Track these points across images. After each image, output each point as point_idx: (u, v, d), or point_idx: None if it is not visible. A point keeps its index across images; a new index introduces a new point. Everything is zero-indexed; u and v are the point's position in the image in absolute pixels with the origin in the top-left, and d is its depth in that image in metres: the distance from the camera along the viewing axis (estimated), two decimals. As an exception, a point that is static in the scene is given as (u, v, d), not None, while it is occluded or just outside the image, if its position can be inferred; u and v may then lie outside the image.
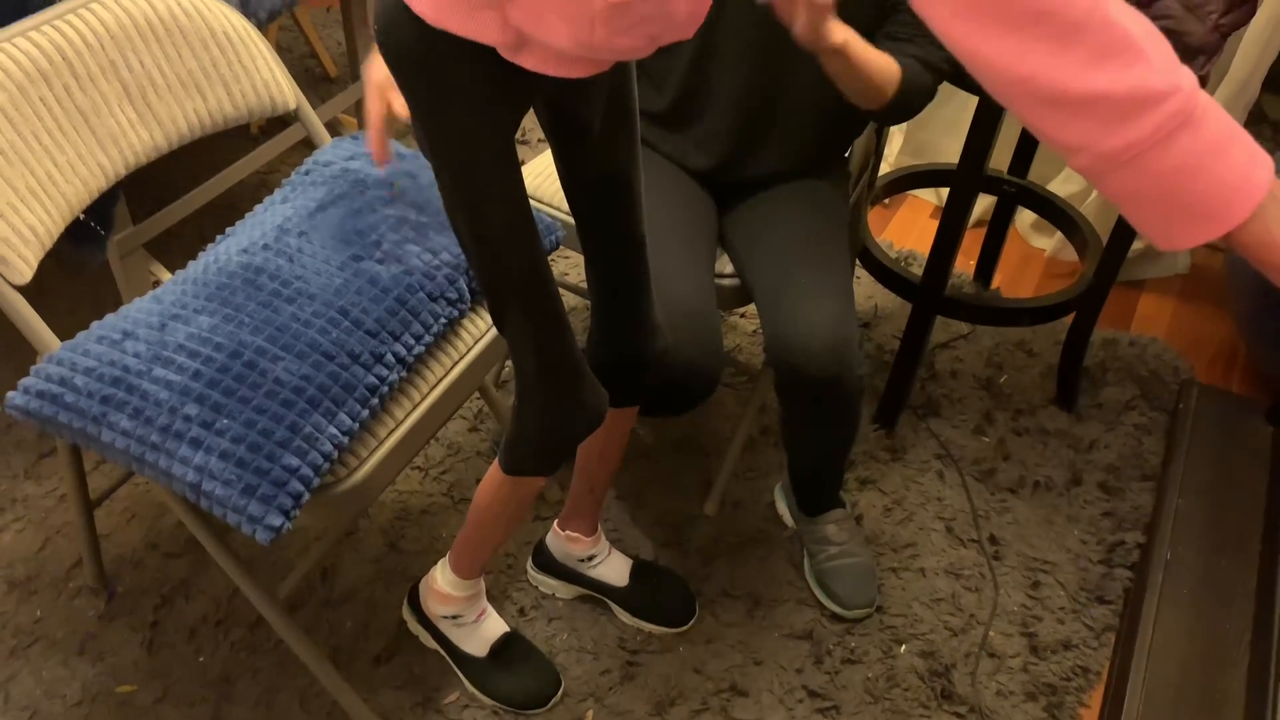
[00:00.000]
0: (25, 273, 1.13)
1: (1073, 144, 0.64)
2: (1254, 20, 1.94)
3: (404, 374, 1.22)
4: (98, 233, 1.35)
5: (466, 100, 0.94)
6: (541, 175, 1.60)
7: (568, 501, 1.51)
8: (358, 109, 2.05)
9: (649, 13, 0.86)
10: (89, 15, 1.21)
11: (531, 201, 1.57)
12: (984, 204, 2.38)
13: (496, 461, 1.23)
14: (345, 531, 1.64)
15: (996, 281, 2.26)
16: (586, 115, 1.06)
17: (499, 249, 1.02)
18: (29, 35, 1.16)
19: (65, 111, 1.19)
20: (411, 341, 1.22)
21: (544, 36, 0.88)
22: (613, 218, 1.14)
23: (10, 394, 1.12)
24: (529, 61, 0.91)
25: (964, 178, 1.60)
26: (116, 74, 1.24)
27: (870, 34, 1.37)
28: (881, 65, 1.24)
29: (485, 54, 0.91)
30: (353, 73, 2.01)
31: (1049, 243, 2.36)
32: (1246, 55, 1.99)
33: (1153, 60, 0.61)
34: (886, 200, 2.42)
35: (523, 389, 1.12)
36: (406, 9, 0.90)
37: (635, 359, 1.23)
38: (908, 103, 1.30)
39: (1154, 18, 1.35)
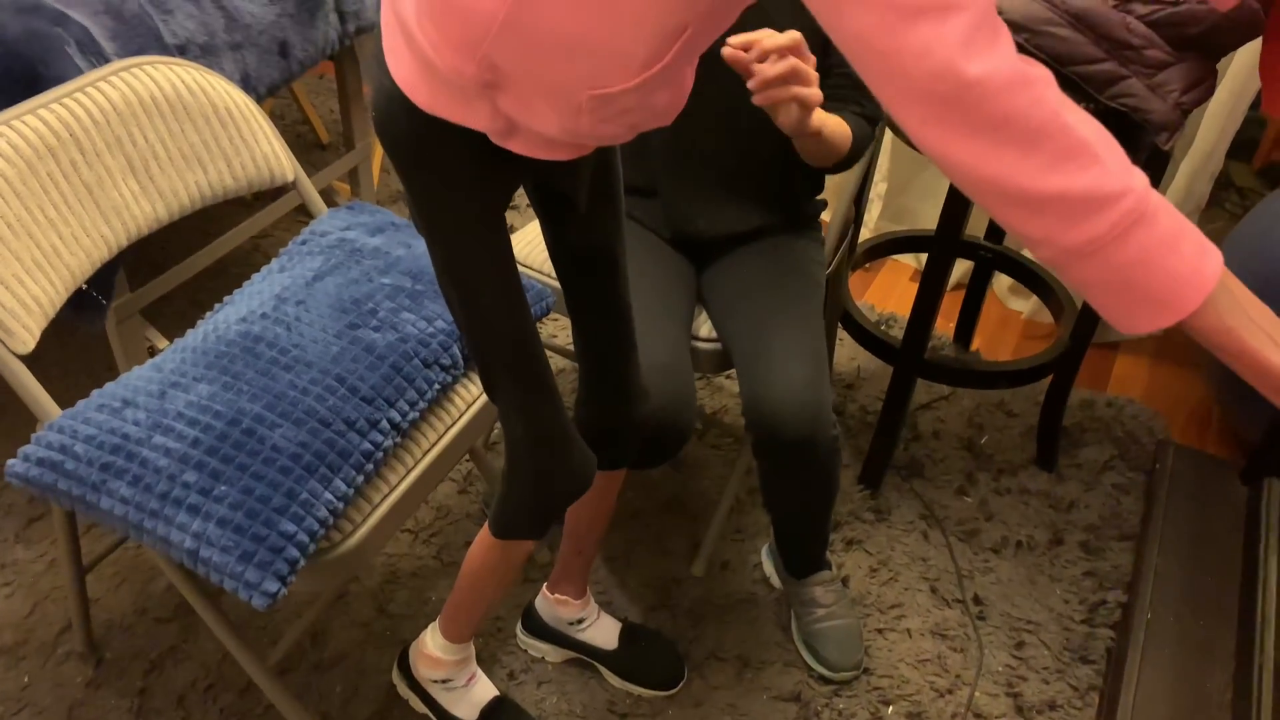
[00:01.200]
0: (29, 342, 1.16)
1: (1037, 237, 0.69)
2: (1217, 92, 2.02)
3: (398, 439, 1.24)
4: (99, 301, 1.38)
5: (458, 181, 0.98)
6: (531, 243, 1.64)
7: (557, 565, 1.53)
8: (351, 176, 2.10)
9: (631, 104, 0.91)
10: (95, 93, 1.25)
11: (521, 268, 1.61)
12: (962, 268, 2.44)
13: (486, 525, 1.25)
14: (335, 595, 1.64)
15: (976, 343, 2.30)
16: (572, 192, 1.10)
17: (490, 321, 1.05)
18: (38, 113, 1.20)
19: (71, 185, 1.23)
20: (406, 408, 1.24)
21: (532, 124, 0.92)
22: (599, 287, 1.17)
23: (11, 461, 1.14)
24: (517, 146, 0.95)
25: (941, 244, 1.65)
26: (121, 149, 1.28)
27: None
28: (837, 130, 1.32)
29: (476, 138, 0.95)
30: (346, 140, 2.06)
31: (1026, 305, 2.41)
32: (1210, 126, 2.07)
33: (1107, 163, 0.66)
34: (867, 264, 2.48)
35: (512, 454, 1.15)
36: (403, 96, 0.94)
37: (622, 423, 1.26)
38: (855, 156, 1.40)
39: (1117, 96, 1.41)
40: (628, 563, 1.74)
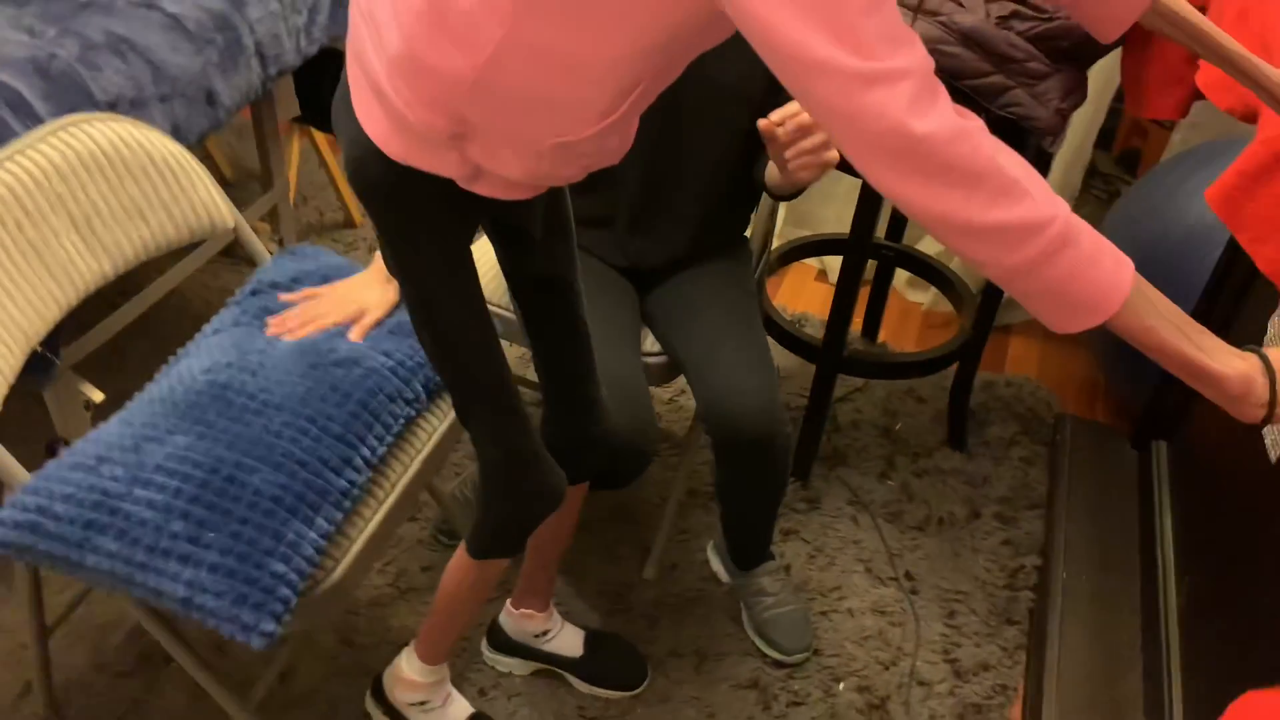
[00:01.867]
0: (-8, 408, 1.16)
1: (982, 260, 0.79)
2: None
3: (370, 474, 1.28)
4: (50, 360, 1.37)
5: (428, 224, 1.04)
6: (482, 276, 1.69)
7: (520, 580, 1.58)
8: (271, 215, 2.11)
9: (588, 149, 0.99)
10: (35, 154, 1.25)
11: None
12: (867, 267, 2.58)
13: (462, 547, 1.30)
14: (300, 631, 1.66)
15: (882, 336, 2.45)
16: (529, 225, 1.17)
17: (463, 353, 1.11)
18: (-19, 178, 1.20)
19: (18, 247, 1.23)
20: (375, 443, 1.29)
21: (497, 169, 0.99)
22: (559, 309, 1.24)
23: (-15, 528, 1.14)
24: (482, 189, 1.02)
25: (855, 249, 1.77)
26: (64, 207, 1.28)
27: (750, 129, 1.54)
28: None
29: (444, 183, 1.01)
30: (264, 180, 2.06)
31: (925, 297, 2.57)
32: (1079, 124, 2.26)
33: (1036, 196, 0.77)
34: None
35: (489, 477, 1.20)
36: (376, 149, 0.99)
37: (586, 437, 1.33)
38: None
39: (1005, 106, 1.55)
40: (582, 573, 1.81)
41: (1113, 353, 2.11)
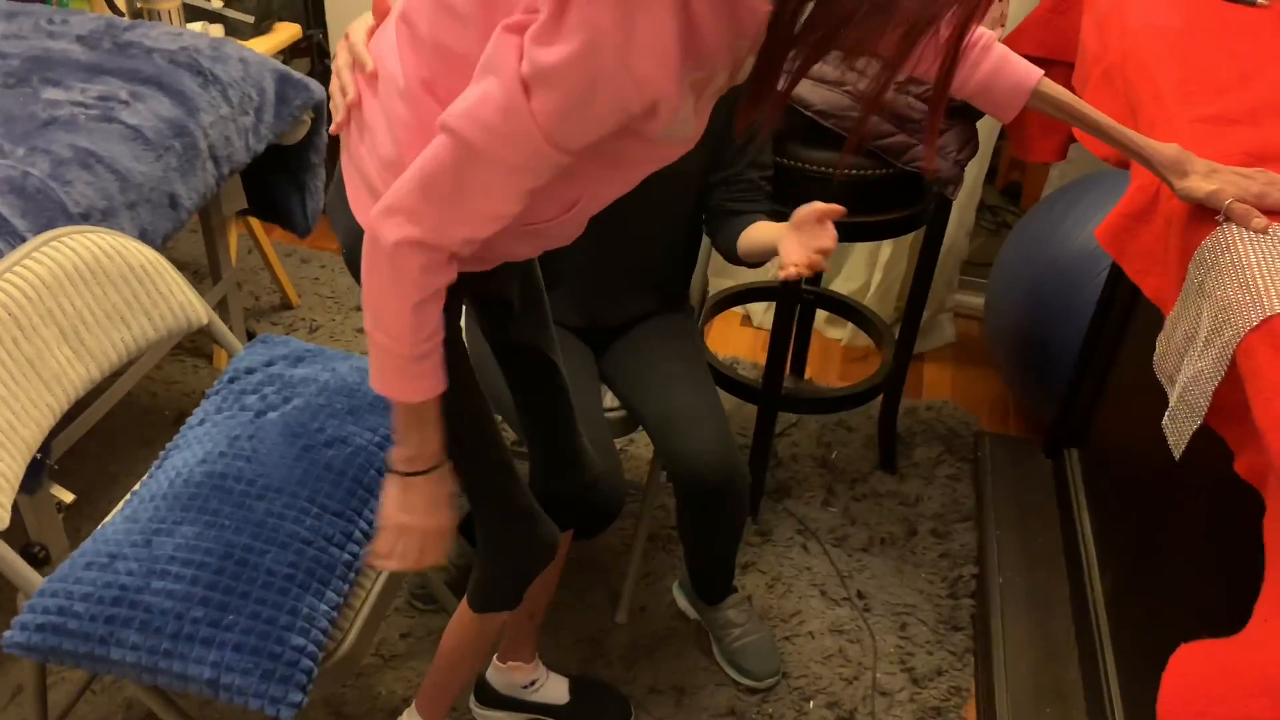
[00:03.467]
0: (4, 519, 1.21)
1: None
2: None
3: (367, 545, 1.36)
4: (43, 463, 1.41)
5: None
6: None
7: (507, 633, 1.67)
8: (220, 306, 2.16)
9: (548, 230, 1.09)
10: (24, 270, 1.31)
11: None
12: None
13: (464, 603, 1.39)
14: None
15: (808, 372, 2.61)
16: (508, 295, 1.28)
17: (454, 419, 1.21)
18: (-24, 298, 1.25)
19: (15, 362, 1.28)
20: (371, 515, 1.37)
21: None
22: (542, 371, 1.35)
23: (7, 633, 1.18)
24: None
25: (787, 296, 1.92)
26: (54, 319, 1.34)
27: (701, 196, 1.68)
28: (770, 238, 1.50)
29: None
30: (213, 272, 2.13)
31: (843, 333, 2.75)
32: (971, 166, 2.47)
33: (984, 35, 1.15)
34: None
35: (489, 534, 1.30)
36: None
37: (573, 489, 1.44)
38: None
39: (910, 161, 1.73)
40: (556, 624, 1.89)
41: (1018, 371, 2.30)
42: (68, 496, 1.77)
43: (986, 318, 2.43)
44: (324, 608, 1.25)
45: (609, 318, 1.73)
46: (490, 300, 1.29)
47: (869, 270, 2.65)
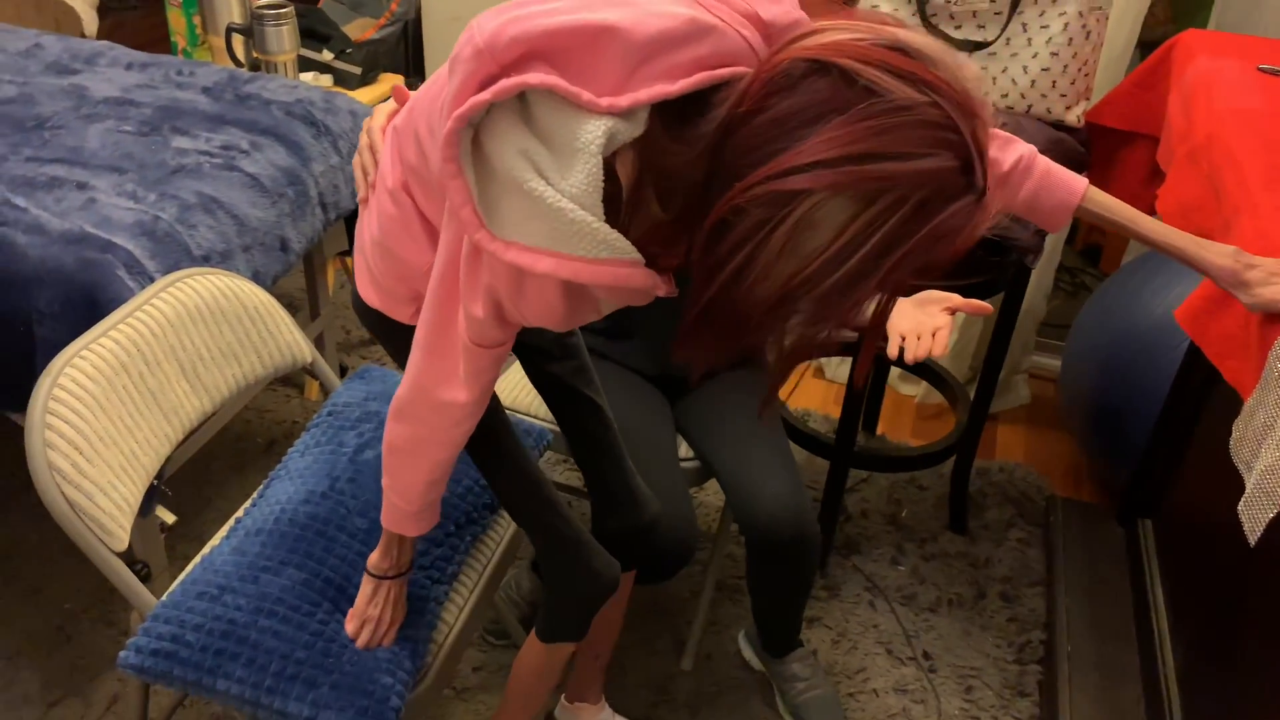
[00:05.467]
0: (124, 540, 1.30)
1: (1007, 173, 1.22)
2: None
3: (450, 586, 1.43)
4: (159, 489, 1.51)
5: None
6: (515, 385, 1.86)
7: (574, 674, 1.71)
8: (316, 341, 2.27)
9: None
10: (152, 309, 1.42)
11: (514, 413, 1.82)
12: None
13: (533, 635, 1.45)
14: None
15: (880, 428, 2.63)
16: (540, 342, 1.38)
17: (499, 461, 1.29)
18: (109, 334, 1.35)
19: (140, 395, 1.38)
20: (460, 557, 1.43)
21: None
22: (581, 411, 1.42)
23: (122, 654, 1.27)
24: None
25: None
26: (175, 355, 1.44)
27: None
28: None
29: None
30: (312, 309, 2.23)
31: (916, 390, 2.76)
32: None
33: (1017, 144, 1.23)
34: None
35: (546, 566, 1.38)
36: (361, 301, 1.23)
37: (630, 527, 1.49)
38: None
39: (990, 230, 1.76)
40: (622, 667, 1.94)
41: (1092, 436, 2.30)
42: (170, 518, 1.87)
43: (1062, 381, 2.43)
44: (410, 646, 1.31)
45: (682, 370, 1.79)
46: (523, 345, 1.37)
47: (944, 329, 2.67)
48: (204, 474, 2.31)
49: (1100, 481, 2.49)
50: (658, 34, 0.83)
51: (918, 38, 0.77)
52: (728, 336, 0.84)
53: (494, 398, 1.25)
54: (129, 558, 1.78)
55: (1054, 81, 1.78)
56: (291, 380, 2.61)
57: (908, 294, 1.01)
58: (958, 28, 1.79)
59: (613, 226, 0.86)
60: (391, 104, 1.17)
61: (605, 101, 0.82)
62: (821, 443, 2.10)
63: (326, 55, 2.30)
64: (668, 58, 0.84)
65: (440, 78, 0.99)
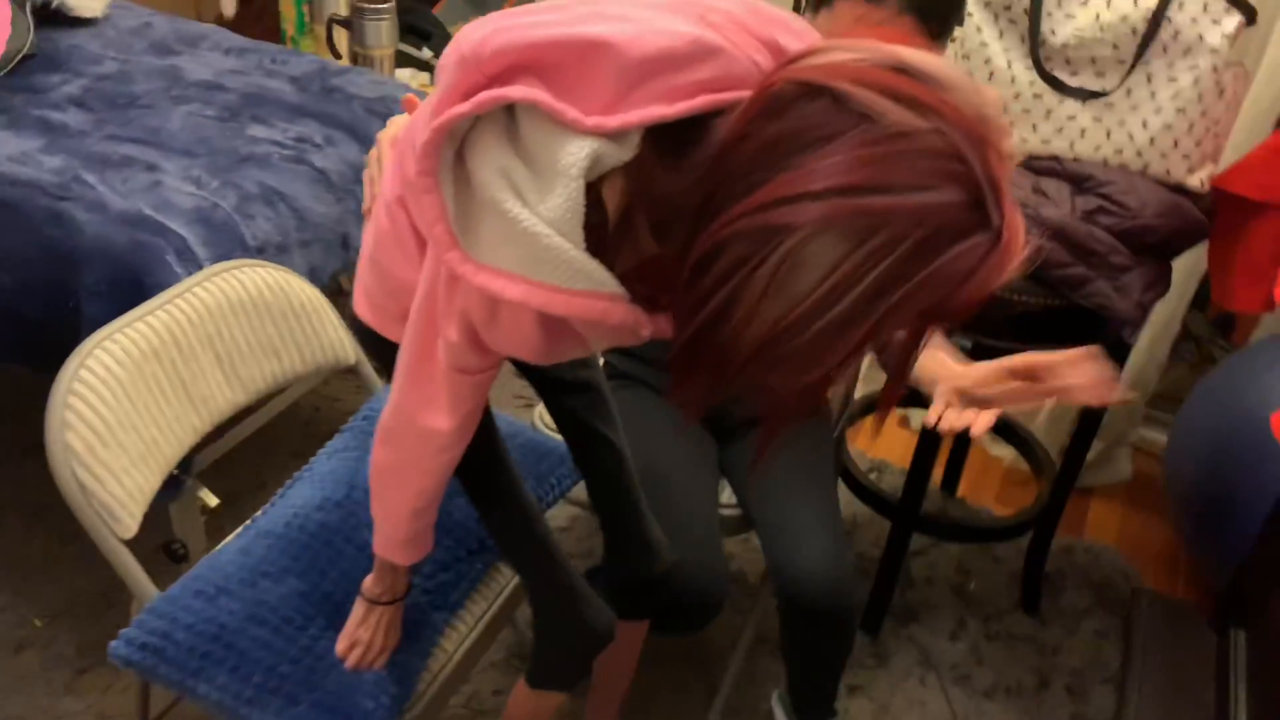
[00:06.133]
0: (132, 528, 1.29)
1: None
2: (1178, 260, 2.23)
3: (453, 613, 1.37)
4: (182, 480, 1.51)
5: None
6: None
7: (586, 718, 1.64)
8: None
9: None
10: (192, 298, 1.41)
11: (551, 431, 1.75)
12: (945, 416, 2.61)
13: (524, 677, 1.39)
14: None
15: (961, 489, 2.47)
16: (555, 374, 1.31)
17: (487, 504, 1.24)
18: (146, 319, 1.35)
19: (170, 382, 1.37)
20: (466, 585, 1.38)
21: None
22: (597, 450, 1.35)
23: (113, 644, 1.26)
24: None
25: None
26: (212, 345, 1.43)
27: None
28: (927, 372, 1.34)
29: None
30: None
31: (1007, 452, 2.59)
32: (1169, 295, 2.28)
33: None
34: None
35: (536, 612, 1.31)
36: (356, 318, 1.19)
37: (642, 576, 1.41)
38: None
39: (1088, 296, 1.61)
40: (647, 711, 1.85)
41: (1192, 528, 2.10)
42: (212, 500, 1.87)
43: (1167, 462, 2.23)
44: (398, 673, 1.26)
45: (730, 411, 1.69)
46: (538, 376, 1.31)
47: (1042, 391, 2.49)
48: (265, 456, 2.32)
49: (1198, 578, 2.27)
50: (657, 52, 0.76)
51: (926, 58, 0.69)
52: (715, 381, 0.76)
53: (491, 428, 1.19)
54: (167, 535, 1.80)
55: (1176, 140, 1.62)
56: (366, 372, 2.61)
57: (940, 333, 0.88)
58: (1074, 74, 1.65)
59: (597, 257, 0.79)
60: (406, 118, 1.13)
61: (592, 121, 0.75)
62: (886, 501, 1.97)
63: (426, 53, 2.29)
64: (667, 79, 0.77)
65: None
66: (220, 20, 3.63)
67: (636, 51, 0.75)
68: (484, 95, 0.75)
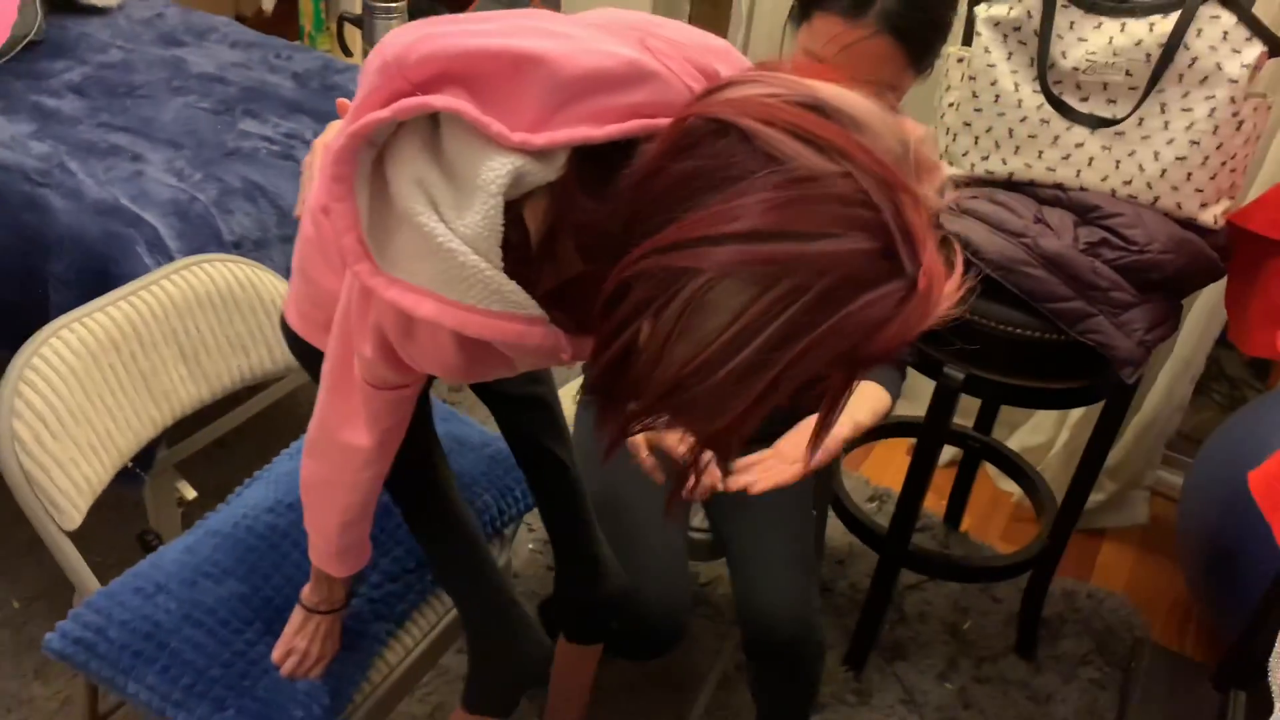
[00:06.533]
0: (76, 520, 1.28)
1: None
2: (1201, 296, 2.13)
3: (402, 625, 1.34)
4: (138, 474, 1.50)
5: None
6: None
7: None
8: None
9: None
10: (158, 290, 1.40)
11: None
12: (955, 453, 2.53)
13: (461, 698, 1.35)
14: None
15: (966, 524, 2.39)
16: (503, 389, 1.29)
17: (422, 524, 1.21)
18: (106, 310, 1.34)
19: (129, 374, 1.36)
20: (412, 596, 1.35)
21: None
22: (547, 469, 1.32)
23: (49, 636, 1.24)
24: None
25: (928, 437, 1.75)
26: (175, 339, 1.42)
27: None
28: (875, 409, 1.36)
29: None
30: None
31: (1016, 487, 2.50)
32: (1190, 332, 2.19)
33: None
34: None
35: (468, 636, 1.28)
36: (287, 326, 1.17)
37: (589, 596, 1.37)
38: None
39: (1085, 332, 1.54)
40: (614, 733, 1.81)
41: (1203, 579, 2.00)
42: (190, 493, 1.86)
43: (1181, 508, 2.13)
44: (334, 682, 1.23)
45: None
46: (490, 392, 1.28)
47: (1057, 427, 2.40)
48: (259, 449, 2.31)
49: (1208, 632, 2.17)
50: (590, 71, 0.74)
51: (844, 95, 0.67)
52: (629, 418, 0.73)
53: (428, 445, 1.16)
54: (141, 525, 1.79)
55: (1189, 174, 1.54)
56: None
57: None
58: (1084, 99, 1.58)
59: (515, 278, 0.76)
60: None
61: (517, 137, 0.73)
62: (875, 534, 1.91)
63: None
64: (598, 99, 0.75)
65: None
66: (259, 15, 3.67)
67: (570, 69, 0.73)
68: (405, 102, 0.72)
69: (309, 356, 1.14)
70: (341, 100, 1.10)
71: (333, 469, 1.02)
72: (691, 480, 0.81)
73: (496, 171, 0.72)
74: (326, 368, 0.96)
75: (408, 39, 0.74)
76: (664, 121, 0.74)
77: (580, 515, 1.32)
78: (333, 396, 0.96)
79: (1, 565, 1.98)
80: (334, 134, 1.09)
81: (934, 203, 0.66)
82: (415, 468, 1.15)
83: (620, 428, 0.74)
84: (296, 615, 1.23)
